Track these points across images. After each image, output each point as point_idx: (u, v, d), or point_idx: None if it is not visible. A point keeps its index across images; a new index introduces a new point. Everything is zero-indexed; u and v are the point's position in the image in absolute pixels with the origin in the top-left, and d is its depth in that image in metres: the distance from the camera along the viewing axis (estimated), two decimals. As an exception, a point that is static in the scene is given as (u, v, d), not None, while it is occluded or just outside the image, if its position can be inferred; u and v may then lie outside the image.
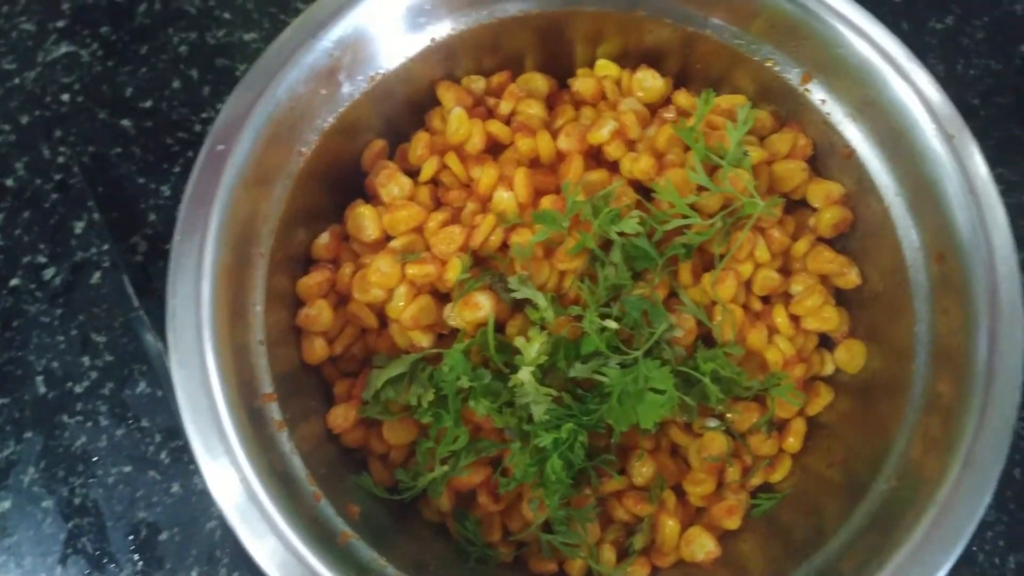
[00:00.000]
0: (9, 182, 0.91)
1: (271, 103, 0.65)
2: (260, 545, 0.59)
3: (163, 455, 0.83)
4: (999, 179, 0.96)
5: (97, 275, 0.87)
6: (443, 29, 0.73)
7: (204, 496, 0.82)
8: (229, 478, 0.59)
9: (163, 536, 0.81)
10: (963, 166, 0.66)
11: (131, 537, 0.81)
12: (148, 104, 0.93)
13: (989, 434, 0.62)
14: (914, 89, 0.68)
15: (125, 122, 0.92)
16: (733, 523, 0.73)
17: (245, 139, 0.63)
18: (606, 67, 0.79)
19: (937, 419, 0.65)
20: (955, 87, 0.99)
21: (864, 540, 0.64)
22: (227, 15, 0.95)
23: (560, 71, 0.81)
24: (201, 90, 0.93)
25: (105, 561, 0.81)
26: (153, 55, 0.94)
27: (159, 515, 0.82)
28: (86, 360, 0.85)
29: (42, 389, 0.85)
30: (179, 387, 0.59)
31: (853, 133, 0.73)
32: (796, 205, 0.79)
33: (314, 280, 0.72)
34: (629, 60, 0.79)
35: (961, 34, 1.01)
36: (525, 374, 0.68)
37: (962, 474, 0.62)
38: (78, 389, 0.85)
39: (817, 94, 0.74)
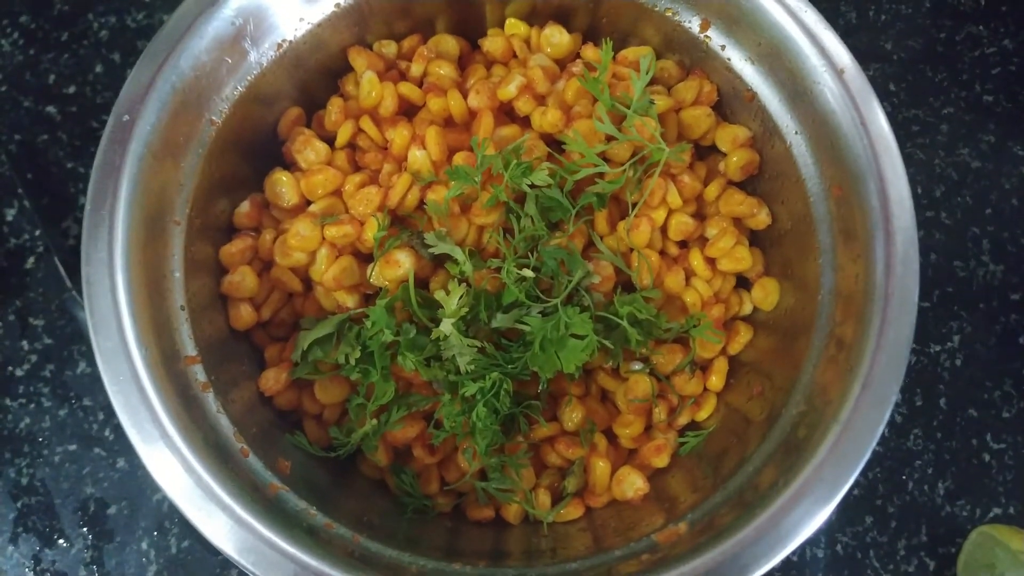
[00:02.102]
0: (-63, 174, 0.92)
1: (174, 72, 0.66)
2: (201, 515, 0.61)
3: (107, 432, 0.85)
4: (914, 120, 1.00)
5: (31, 260, 0.88)
6: (347, -6, 0.74)
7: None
8: (153, 441, 0.61)
9: (111, 510, 0.83)
10: (853, 99, 0.69)
11: (80, 513, 0.83)
12: (72, 90, 0.93)
13: (886, 355, 0.65)
14: (803, 29, 0.70)
15: (50, 109, 0.93)
16: (662, 461, 0.76)
17: (150, 109, 0.65)
18: (515, 26, 0.80)
19: (840, 345, 0.68)
20: (867, 32, 1.02)
21: (776, 460, 0.67)
22: (146, -2, 0.96)
23: (472, 32, 0.82)
24: (124, 73, 0.93)
25: (56, 537, 0.82)
26: (74, 41, 0.95)
27: (106, 490, 0.83)
28: (25, 344, 0.87)
29: (-17, 375, 0.86)
30: (99, 352, 0.60)
31: (753, 77, 0.76)
32: (707, 151, 0.81)
33: (236, 247, 0.73)
34: (538, 18, 0.81)
35: (872, -20, 1.03)
36: (447, 326, 0.70)
37: (862, 394, 0.64)
38: (19, 372, 0.86)
39: (717, 40, 0.76)
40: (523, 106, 0.76)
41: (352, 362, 0.72)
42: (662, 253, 0.78)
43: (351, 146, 0.78)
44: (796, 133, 0.74)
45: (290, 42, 0.74)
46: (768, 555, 0.61)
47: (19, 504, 0.83)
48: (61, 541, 0.82)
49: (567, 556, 0.69)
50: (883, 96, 1.00)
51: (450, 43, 0.80)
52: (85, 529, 0.83)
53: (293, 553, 0.60)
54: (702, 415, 0.79)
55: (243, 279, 0.73)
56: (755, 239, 0.81)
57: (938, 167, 0.97)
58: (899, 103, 0.99)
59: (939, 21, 1.02)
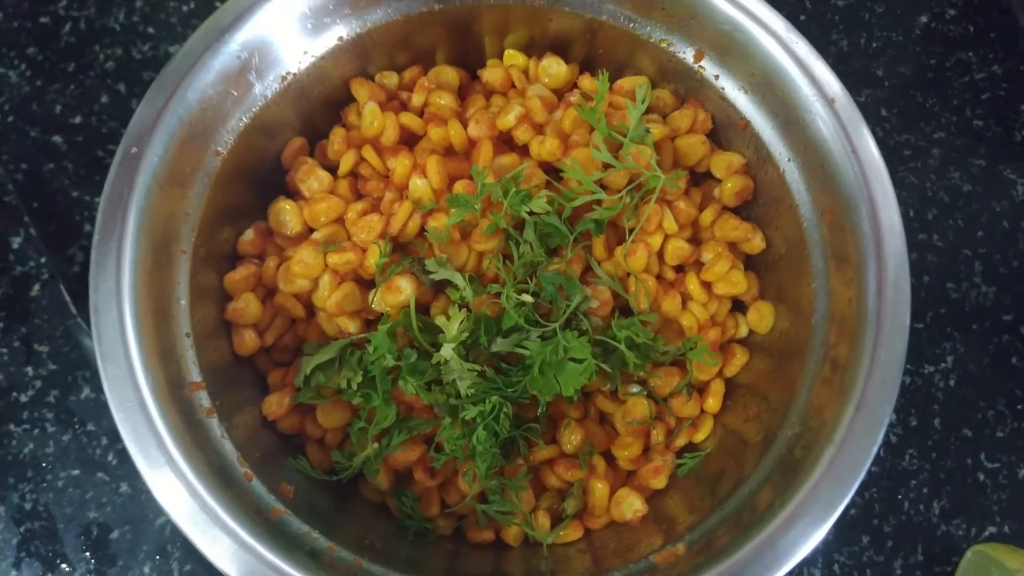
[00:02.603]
0: (-55, 203, 0.93)
1: (181, 105, 0.67)
2: (206, 539, 0.61)
3: (110, 456, 0.86)
4: (905, 145, 1.02)
5: (37, 287, 0.90)
6: (349, 28, 0.76)
7: (153, 494, 0.84)
8: (159, 467, 0.62)
9: (114, 534, 0.84)
10: (844, 127, 0.70)
11: (83, 537, 0.83)
12: (78, 120, 0.95)
13: (879, 378, 0.66)
14: (794, 59, 0.72)
15: (56, 138, 0.94)
16: (660, 483, 0.77)
17: (158, 141, 0.66)
18: (513, 57, 0.82)
19: (834, 367, 0.69)
20: (859, 59, 1.03)
21: (773, 481, 0.68)
22: (151, 30, 0.98)
23: (471, 63, 0.84)
24: (129, 103, 0.95)
25: (59, 562, 0.83)
26: (80, 72, 0.97)
27: (109, 515, 0.84)
28: (30, 370, 0.88)
29: (-12, 401, 0.87)
30: (106, 379, 0.61)
31: (746, 105, 0.77)
32: (702, 178, 0.83)
33: (240, 275, 0.75)
34: (536, 49, 0.83)
35: (862, 8, 1.05)
36: (448, 350, 0.72)
37: (856, 416, 0.66)
38: (23, 398, 0.87)
39: (711, 71, 0.78)
40: (522, 135, 0.77)
41: (354, 387, 0.73)
42: (659, 278, 0.80)
43: (353, 175, 0.80)
44: (789, 160, 0.75)
45: (294, 75, 0.75)
46: (765, 575, 0.62)
47: (22, 529, 0.84)
48: (64, 566, 0.83)
49: (567, 578, 0.69)
50: (875, 121, 1.02)
51: (450, 74, 0.82)
52: (88, 554, 0.83)
53: (296, 576, 0.61)
54: (699, 437, 0.80)
55: (247, 306, 0.74)
56: (750, 263, 0.82)
57: (930, 190, 0.99)
58: (891, 128, 1.01)
59: (929, 48, 1.04)
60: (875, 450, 0.65)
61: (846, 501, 0.64)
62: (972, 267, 0.96)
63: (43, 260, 0.90)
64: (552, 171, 0.78)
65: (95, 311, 0.62)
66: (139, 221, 0.65)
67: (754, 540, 0.63)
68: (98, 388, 0.87)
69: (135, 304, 0.63)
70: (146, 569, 0.83)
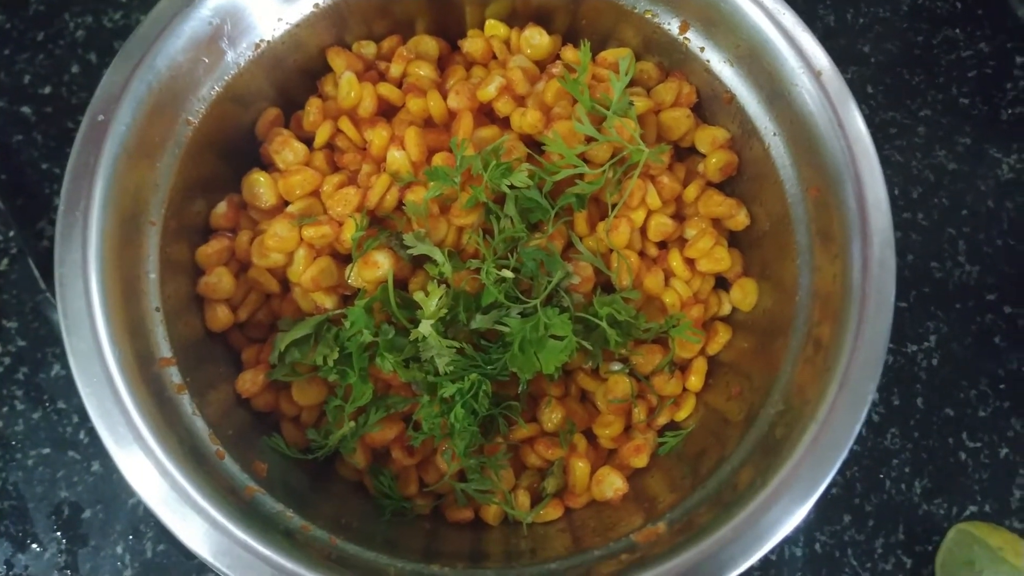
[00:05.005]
0: (-90, 176, 0.90)
1: (150, 72, 0.65)
2: (176, 519, 0.60)
3: (81, 435, 0.84)
4: (890, 123, 1.01)
5: (5, 262, 0.87)
6: (325, -6, 0.74)
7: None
8: (127, 444, 0.60)
9: (86, 514, 0.82)
10: (831, 101, 0.69)
11: (53, 517, 0.82)
12: (47, 90, 0.92)
13: (863, 354, 0.65)
14: (781, 30, 0.70)
15: (25, 109, 0.92)
16: (641, 461, 0.76)
17: (125, 109, 0.64)
18: (495, 27, 0.80)
19: (817, 345, 0.68)
20: (845, 35, 1.02)
21: (754, 460, 0.67)
22: (123, -3, 0.96)
23: (451, 34, 0.82)
24: (100, 74, 0.90)
25: (29, 542, 0.81)
26: (50, 41, 0.94)
27: (80, 494, 0.82)
28: (-2, 346, 0.86)
29: (-45, 379, 0.85)
30: (71, 353, 0.60)
31: (732, 78, 0.76)
32: (686, 153, 0.82)
33: (212, 248, 0.73)
34: (518, 19, 0.81)
35: (850, -16, 1.04)
36: (426, 327, 0.70)
37: (839, 393, 0.65)
38: (-8, 376, 0.85)
39: (696, 42, 0.77)
40: (503, 107, 0.76)
41: (330, 363, 0.71)
42: (641, 254, 0.78)
43: (329, 147, 0.78)
44: (774, 135, 0.74)
45: (268, 42, 0.73)
46: (746, 553, 0.61)
47: (-8, 509, 0.82)
48: (34, 546, 0.81)
49: (547, 557, 0.68)
50: (861, 99, 1.00)
51: (430, 44, 0.80)
52: (59, 533, 0.82)
53: (269, 556, 0.59)
54: (681, 415, 0.79)
55: (219, 280, 0.72)
56: (734, 240, 0.81)
57: (915, 169, 0.98)
58: (876, 105, 1.00)
59: (916, 24, 1.03)
60: (858, 427, 0.64)
61: (828, 479, 0.63)
62: (956, 246, 0.96)
63: (11, 234, 0.88)
64: (534, 144, 0.76)
65: (60, 283, 0.60)
66: (106, 191, 0.63)
67: (736, 518, 0.62)
68: (69, 365, 0.84)
69: (102, 276, 0.61)
70: (119, 549, 0.81)
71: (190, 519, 0.59)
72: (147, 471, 0.60)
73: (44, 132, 0.91)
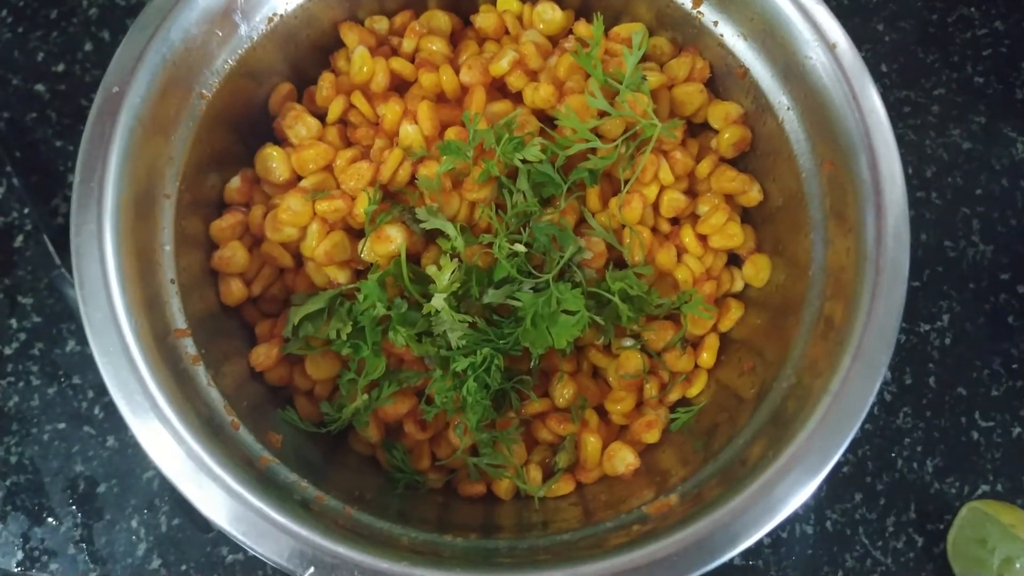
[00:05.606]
0: (-75, 153, 0.91)
1: (164, 44, 0.65)
2: (193, 487, 0.60)
3: (96, 410, 0.85)
4: (905, 101, 1.00)
5: (20, 238, 0.88)
6: (340, -32, 0.74)
7: (140, 448, 0.83)
8: (143, 413, 0.61)
9: (101, 488, 0.83)
10: (845, 74, 0.69)
11: (69, 491, 0.83)
12: (61, 68, 0.93)
13: (877, 327, 0.65)
14: (796, 4, 0.70)
15: (39, 87, 0.92)
16: (653, 437, 0.76)
17: (140, 80, 0.64)
18: (507, 2, 0.80)
19: (830, 320, 0.68)
20: (860, 13, 1.02)
21: (766, 433, 0.67)
22: (136, -25, 0.96)
23: (464, 9, 0.82)
24: (113, 51, 0.92)
25: (45, 516, 0.82)
26: (63, 19, 0.94)
27: (96, 468, 0.83)
28: (14, 322, 0.86)
29: (-29, 354, 0.86)
30: (88, 324, 0.60)
31: (745, 53, 0.76)
32: (699, 128, 0.82)
33: (227, 223, 0.73)
34: (531, -6, 0.81)
35: (864, -38, 1.03)
36: (439, 301, 0.70)
37: (852, 365, 0.65)
38: (8, 351, 0.86)
39: (710, 16, 0.76)
40: (515, 81, 0.76)
41: (343, 337, 0.72)
42: (654, 230, 0.78)
43: (342, 121, 0.78)
44: (788, 109, 0.74)
45: (281, 16, 0.73)
46: (758, 525, 0.62)
47: (8, 482, 0.83)
48: (50, 519, 0.82)
49: (558, 529, 0.69)
50: (875, 77, 0.98)
51: (442, 19, 0.80)
52: (75, 507, 0.82)
53: (285, 524, 0.60)
54: (693, 391, 0.79)
55: (233, 254, 0.73)
56: (746, 216, 0.81)
57: (929, 148, 0.97)
58: (891, 84, 0.99)
59: (931, 3, 1.02)
60: (871, 399, 0.64)
61: (841, 451, 0.63)
62: (970, 225, 0.95)
63: (26, 211, 0.88)
64: (546, 119, 0.76)
65: (76, 254, 0.61)
66: (121, 163, 0.63)
67: (748, 489, 0.62)
68: (83, 341, 0.85)
69: (118, 247, 0.62)
70: (134, 523, 0.82)
71: (206, 487, 0.60)
72: (163, 440, 0.60)
73: (58, 110, 0.91)
